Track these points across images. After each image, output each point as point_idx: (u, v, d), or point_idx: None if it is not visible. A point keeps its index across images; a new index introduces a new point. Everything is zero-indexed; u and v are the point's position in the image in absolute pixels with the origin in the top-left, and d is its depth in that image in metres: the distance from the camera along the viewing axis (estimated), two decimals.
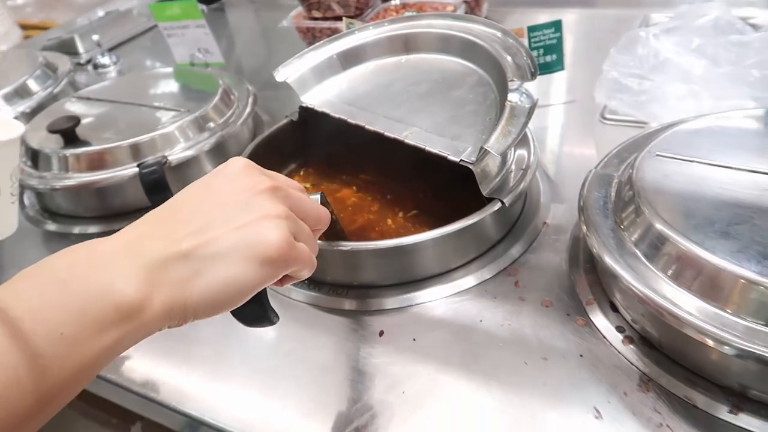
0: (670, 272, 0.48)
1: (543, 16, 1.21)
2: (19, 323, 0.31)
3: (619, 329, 0.54)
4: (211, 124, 0.85)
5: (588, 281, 0.59)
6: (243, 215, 0.39)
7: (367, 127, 0.70)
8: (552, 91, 0.96)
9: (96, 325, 0.33)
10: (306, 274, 0.43)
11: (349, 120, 0.72)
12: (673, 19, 0.83)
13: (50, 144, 0.82)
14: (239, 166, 0.42)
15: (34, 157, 0.82)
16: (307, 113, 0.79)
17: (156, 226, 0.38)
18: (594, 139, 0.84)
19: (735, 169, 0.54)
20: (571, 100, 0.93)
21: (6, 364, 0.30)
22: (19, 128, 0.52)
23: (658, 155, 0.57)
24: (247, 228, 0.38)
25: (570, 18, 1.21)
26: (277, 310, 0.47)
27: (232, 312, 0.42)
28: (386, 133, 0.68)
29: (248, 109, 0.91)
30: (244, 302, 0.39)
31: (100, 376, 0.60)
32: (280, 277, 0.41)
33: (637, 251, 0.51)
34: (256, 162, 0.44)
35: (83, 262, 0.34)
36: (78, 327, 0.32)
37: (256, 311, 0.45)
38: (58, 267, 0.34)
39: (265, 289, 0.42)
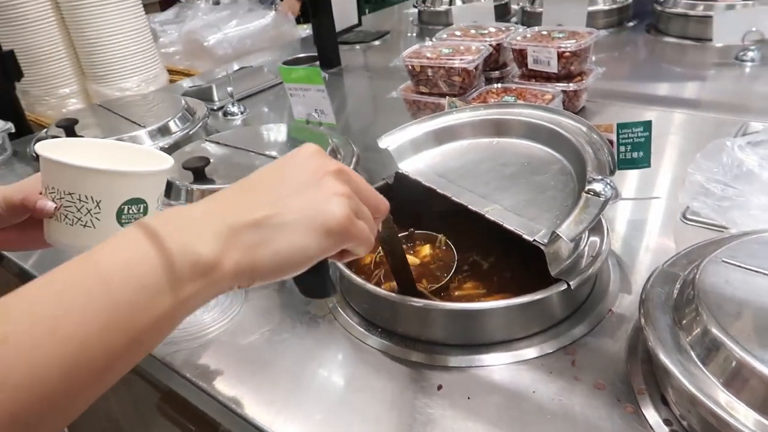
0: (722, 378, 0.51)
1: (641, 113, 1.26)
2: (109, 275, 0.37)
3: (666, 422, 0.56)
4: None
5: (643, 371, 0.62)
6: (311, 192, 0.44)
7: (453, 198, 0.77)
8: (639, 185, 1.00)
9: (176, 279, 0.38)
10: (362, 251, 0.48)
11: (438, 190, 0.80)
12: (762, 132, 0.85)
13: (182, 178, 0.96)
14: (309, 150, 0.47)
15: (167, 187, 0.96)
16: (401, 179, 0.87)
17: (232, 199, 0.44)
18: (673, 238, 0.86)
19: None
20: (656, 196, 0.96)
21: (97, 309, 0.35)
22: (170, 161, 0.64)
23: (724, 261, 0.60)
24: (314, 203, 0.44)
25: (670, 117, 1.24)
26: (351, 353, 0.54)
27: (295, 281, 0.48)
28: (470, 206, 0.75)
29: (350, 168, 1.01)
30: (305, 271, 0.45)
31: (192, 381, 0.69)
32: (339, 250, 0.45)
33: (692, 352, 0.54)
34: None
35: (171, 224, 0.40)
36: (160, 279, 0.37)
37: (316, 282, 0.49)
38: (150, 225, 0.39)
39: (326, 262, 0.47)
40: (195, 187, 0.92)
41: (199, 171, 0.94)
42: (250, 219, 0.42)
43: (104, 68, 1.69)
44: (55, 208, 0.58)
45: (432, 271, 0.79)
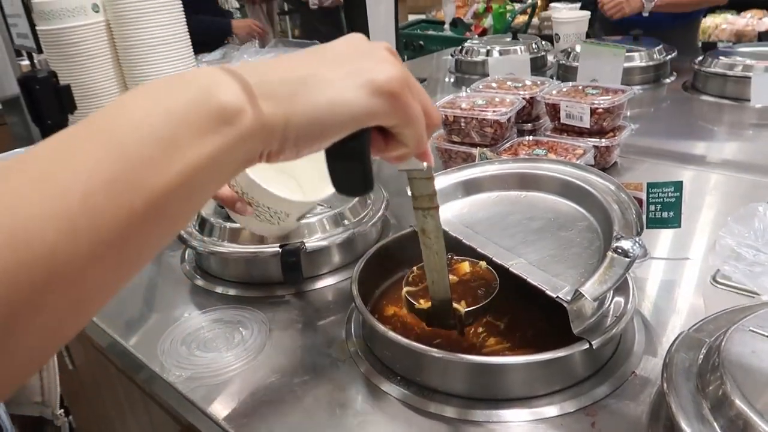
0: None
1: (674, 171, 1.25)
2: (115, 126, 0.32)
3: None
4: (347, 221, 0.98)
5: None
6: (360, 58, 0.40)
7: (479, 249, 0.78)
8: (672, 245, 0.99)
9: (196, 129, 0.33)
10: (411, 137, 0.43)
11: (464, 240, 0.81)
12: None
13: (216, 216, 0.99)
14: (359, 36, 0.43)
15: (202, 223, 1.00)
16: None
17: (266, 64, 0.39)
18: (702, 300, 0.84)
19: None
20: (687, 257, 0.95)
21: (100, 161, 0.30)
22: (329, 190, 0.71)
23: (751, 330, 0.59)
24: (363, 64, 0.40)
25: (705, 177, 1.23)
26: (370, 400, 0.54)
27: (332, 168, 0.43)
28: (494, 258, 0.76)
29: (380, 213, 1.04)
30: (344, 155, 0.41)
31: (212, 417, 0.70)
32: (387, 122, 0.41)
33: (715, 423, 0.53)
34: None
35: (190, 75, 0.36)
36: (178, 130, 0.32)
37: (355, 170, 0.43)
38: (165, 79, 0.35)
39: (368, 152, 0.42)
40: (228, 225, 0.95)
41: None
42: (284, 75, 0.38)
43: None
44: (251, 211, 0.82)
45: (472, 289, 0.75)
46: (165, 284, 1.01)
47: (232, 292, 0.95)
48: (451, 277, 0.75)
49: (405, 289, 0.75)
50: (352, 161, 0.42)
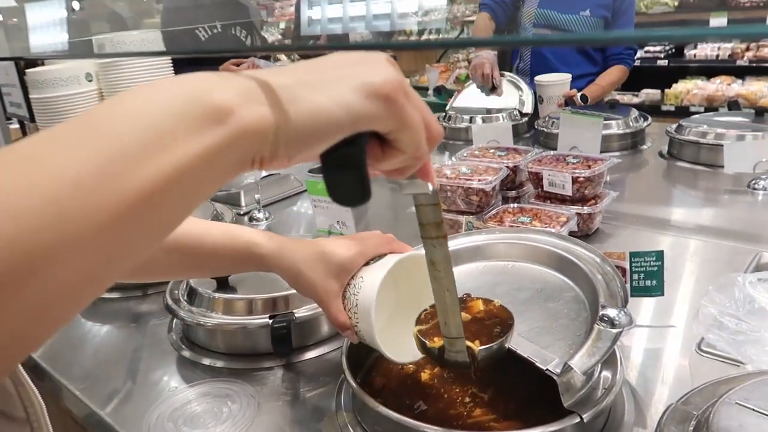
0: None
1: (655, 238, 1.29)
2: (106, 118, 0.33)
3: None
4: None
5: None
6: (354, 65, 0.40)
7: None
8: (655, 313, 1.00)
9: (189, 125, 0.33)
10: (408, 142, 0.42)
11: None
12: None
13: (205, 286, 0.99)
14: (361, 52, 0.43)
15: (191, 293, 1.00)
16: None
17: (266, 71, 0.39)
18: (689, 370, 0.85)
19: None
20: (671, 325, 0.96)
21: (90, 150, 0.30)
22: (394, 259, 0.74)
23: (738, 403, 0.60)
24: (359, 69, 0.40)
25: (685, 243, 1.26)
26: None
27: (328, 178, 0.42)
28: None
29: None
30: (340, 164, 0.40)
31: None
32: (390, 128, 0.41)
33: None
34: None
35: (187, 76, 0.36)
36: (172, 124, 0.33)
37: (352, 178, 0.42)
38: (165, 80, 0.36)
39: (365, 158, 0.42)
40: (217, 295, 0.95)
41: (222, 280, 0.97)
42: (280, 80, 0.38)
43: None
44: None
45: (487, 328, 0.72)
46: (151, 355, 1.00)
47: (219, 363, 0.94)
48: (463, 315, 0.71)
49: (416, 328, 0.72)
50: (348, 168, 0.42)
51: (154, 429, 0.78)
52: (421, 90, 3.74)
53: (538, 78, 2.24)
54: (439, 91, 3.51)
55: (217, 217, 1.37)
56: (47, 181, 0.28)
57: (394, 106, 0.40)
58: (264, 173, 1.91)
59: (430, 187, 0.51)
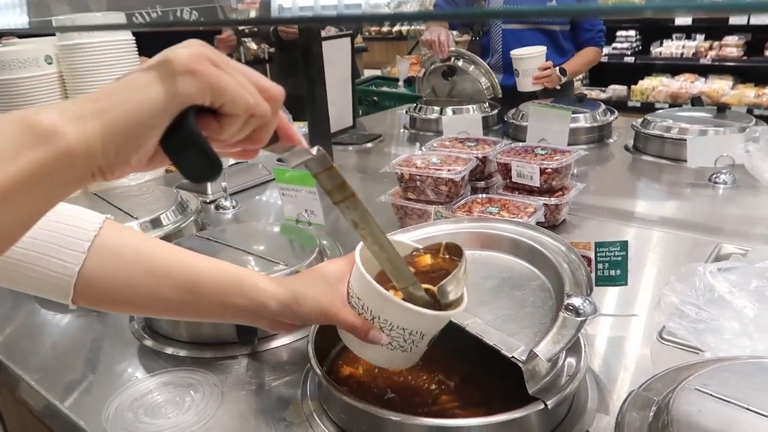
0: None
1: (619, 229, 1.31)
2: None
3: None
4: None
5: None
6: (162, 56, 0.43)
7: None
8: (618, 302, 1.02)
9: (13, 145, 0.38)
10: (234, 104, 0.44)
11: None
12: (731, 259, 0.89)
13: None
14: (178, 45, 0.44)
15: None
16: None
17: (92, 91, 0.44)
18: (650, 358, 0.87)
19: None
20: (634, 314, 0.98)
21: None
22: (464, 302, 0.70)
23: (697, 389, 0.61)
24: (163, 59, 0.42)
25: (648, 234, 1.29)
26: None
27: (175, 162, 0.45)
28: (451, 318, 0.77)
29: None
30: (177, 143, 0.43)
31: None
32: (209, 97, 0.42)
33: None
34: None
35: (18, 112, 0.41)
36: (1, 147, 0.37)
37: (195, 155, 0.44)
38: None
39: (199, 135, 0.44)
40: None
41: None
42: (97, 94, 0.42)
43: None
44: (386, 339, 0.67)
45: (437, 278, 0.70)
46: (111, 345, 0.97)
47: (182, 353, 0.92)
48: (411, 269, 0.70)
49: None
50: (187, 147, 0.43)
51: (113, 420, 0.76)
52: (392, 81, 3.73)
53: (513, 52, 2.24)
54: (410, 82, 3.52)
55: (182, 205, 1.34)
56: None
57: (200, 77, 0.42)
58: (231, 161, 1.88)
59: (314, 151, 0.53)
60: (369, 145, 2.17)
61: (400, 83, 3.59)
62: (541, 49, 2.24)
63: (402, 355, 0.69)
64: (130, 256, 0.66)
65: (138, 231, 0.72)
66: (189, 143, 0.43)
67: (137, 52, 1.75)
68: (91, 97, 0.42)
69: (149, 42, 1.94)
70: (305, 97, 1.82)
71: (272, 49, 3.94)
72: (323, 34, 1.94)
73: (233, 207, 1.54)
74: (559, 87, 2.30)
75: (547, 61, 2.22)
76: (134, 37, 1.73)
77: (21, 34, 1.88)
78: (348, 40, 2.03)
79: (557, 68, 2.24)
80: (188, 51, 0.42)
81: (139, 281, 0.66)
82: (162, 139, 0.43)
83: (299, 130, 2.41)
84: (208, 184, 1.61)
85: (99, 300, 0.67)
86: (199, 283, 0.68)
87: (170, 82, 0.41)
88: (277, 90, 0.48)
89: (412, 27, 7.73)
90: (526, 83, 2.24)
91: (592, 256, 0.93)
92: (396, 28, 7.90)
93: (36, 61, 1.67)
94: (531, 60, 2.22)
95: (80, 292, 0.64)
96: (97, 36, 1.64)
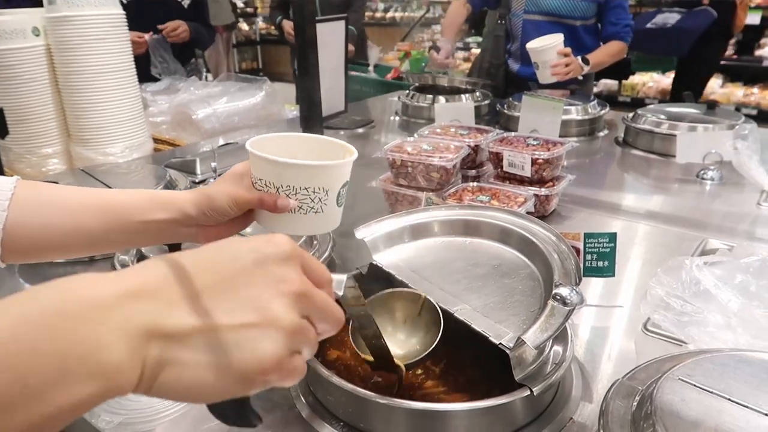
0: None
1: (608, 221, 1.32)
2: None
3: None
4: None
5: None
6: (253, 309, 0.39)
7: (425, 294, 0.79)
8: (604, 292, 1.03)
9: (70, 382, 0.33)
10: (288, 384, 0.42)
11: (411, 285, 0.82)
12: (718, 254, 0.90)
13: (156, 253, 0.96)
14: (282, 251, 0.42)
15: (141, 260, 0.96)
16: (374, 269, 0.89)
17: (157, 282, 0.38)
18: (635, 348, 0.88)
19: (750, 409, 0.57)
20: (620, 305, 0.99)
21: None
22: (355, 152, 0.77)
23: (680, 379, 0.62)
24: (247, 331, 0.38)
25: (635, 227, 1.30)
26: None
27: (208, 406, 0.42)
28: (440, 304, 0.77)
29: (326, 254, 1.03)
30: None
31: None
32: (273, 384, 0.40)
33: None
34: None
35: (73, 312, 0.34)
36: (49, 380, 0.33)
37: (234, 410, 0.44)
38: (47, 310, 0.34)
39: (249, 409, 0.43)
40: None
41: (175, 247, 0.94)
42: (169, 328, 0.37)
43: (91, 132, 1.71)
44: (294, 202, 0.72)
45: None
46: None
47: None
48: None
49: (352, 339, 0.75)
50: (230, 404, 0.42)
51: None
52: (363, 65, 3.71)
53: (529, 45, 2.13)
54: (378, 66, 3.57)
55: (171, 184, 1.33)
56: None
57: (265, 383, 0.40)
58: (221, 141, 1.86)
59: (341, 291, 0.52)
60: (360, 130, 2.16)
61: (371, 68, 3.60)
62: (557, 38, 2.10)
63: (317, 217, 0.75)
64: (46, 200, 0.69)
65: (51, 183, 0.74)
66: (239, 409, 0.44)
67: (126, 25, 1.72)
68: (167, 318, 0.37)
69: (134, 14, 1.92)
70: (297, 81, 1.81)
71: (263, 31, 3.93)
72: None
73: None
74: (581, 77, 2.19)
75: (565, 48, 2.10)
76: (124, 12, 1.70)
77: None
78: (342, 23, 2.01)
79: (579, 57, 2.12)
80: (273, 354, 0.39)
81: (60, 219, 0.68)
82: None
83: (290, 113, 2.40)
84: (198, 165, 1.59)
85: (26, 250, 0.68)
86: (118, 208, 0.71)
87: (232, 384, 0.38)
88: (337, 328, 0.47)
89: (406, 13, 7.68)
90: (545, 75, 2.10)
91: (581, 247, 0.94)
92: (390, 15, 7.86)
93: (23, 32, 1.64)
94: (548, 51, 2.08)
95: (8, 247, 0.66)
96: (86, 9, 1.61)
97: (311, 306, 0.43)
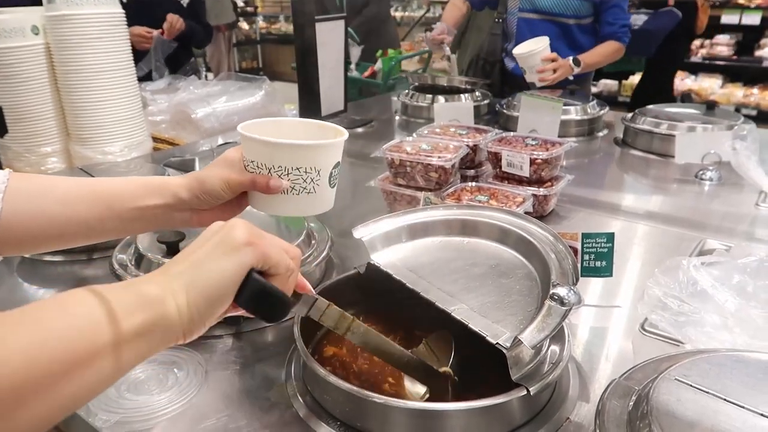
0: None
1: (606, 221, 1.32)
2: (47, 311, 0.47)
3: None
4: None
5: None
6: (215, 237, 0.56)
7: (422, 294, 0.79)
8: (602, 292, 1.03)
9: (127, 307, 0.48)
10: (281, 266, 0.57)
11: (408, 284, 0.82)
12: (715, 254, 0.90)
13: (155, 251, 0.96)
14: (218, 224, 0.58)
15: (139, 259, 0.97)
16: (372, 269, 0.89)
17: (165, 265, 0.55)
18: (632, 347, 0.88)
19: (746, 409, 0.58)
20: (617, 305, 0.99)
21: (83, 330, 0.46)
22: (346, 133, 0.78)
23: (677, 379, 0.62)
24: (217, 237, 0.55)
25: (634, 228, 1.30)
26: None
27: (253, 312, 0.56)
28: (437, 303, 0.77)
29: (324, 253, 1.03)
30: (251, 297, 0.54)
31: None
32: (262, 262, 0.55)
33: None
34: None
35: (125, 282, 0.53)
36: (112, 308, 0.47)
37: (270, 302, 0.56)
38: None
39: (269, 286, 0.56)
40: (167, 261, 0.92)
41: (173, 245, 0.94)
42: (177, 268, 0.53)
43: (90, 131, 1.71)
44: (287, 183, 0.74)
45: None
46: None
47: None
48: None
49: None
50: (262, 296, 0.55)
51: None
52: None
53: (515, 50, 2.13)
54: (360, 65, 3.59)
55: None
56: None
57: (256, 247, 0.55)
58: (221, 140, 1.86)
59: (317, 300, 0.66)
60: (360, 130, 2.16)
61: (352, 66, 3.61)
62: (542, 42, 2.09)
63: (310, 197, 0.77)
64: (39, 190, 0.70)
65: (43, 175, 0.76)
66: (263, 295, 0.56)
67: (126, 24, 1.72)
68: (175, 271, 0.53)
69: (134, 13, 1.91)
70: (297, 80, 1.81)
71: (264, 30, 3.94)
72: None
73: None
74: (572, 77, 2.16)
75: (552, 52, 2.07)
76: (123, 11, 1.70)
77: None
78: (342, 22, 2.01)
79: (571, 58, 2.10)
80: (244, 230, 0.55)
81: (54, 209, 0.70)
82: (235, 298, 0.55)
83: (290, 112, 2.40)
84: (197, 164, 1.59)
85: (22, 241, 0.70)
86: (111, 195, 0.72)
87: (235, 255, 0.53)
88: (297, 251, 0.61)
89: (406, 13, 7.68)
90: (533, 79, 2.10)
91: (579, 247, 0.94)
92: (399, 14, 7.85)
93: (22, 31, 1.63)
94: (533, 57, 2.08)
95: (4, 239, 0.67)
96: (85, 7, 1.61)
97: (260, 235, 0.57)
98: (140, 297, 0.49)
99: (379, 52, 3.59)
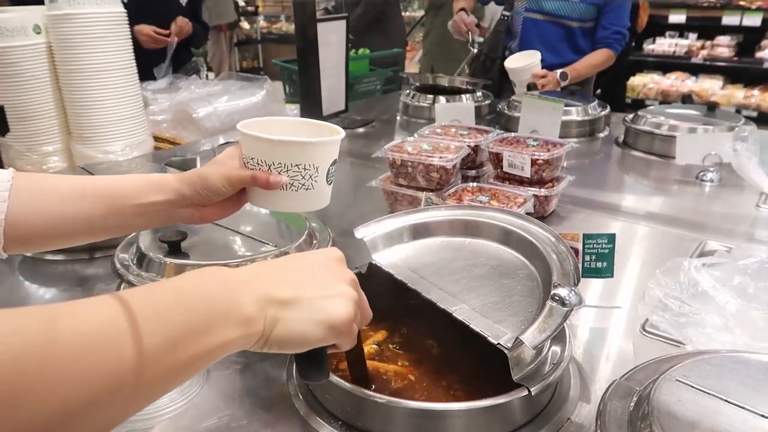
0: None
1: (607, 222, 1.32)
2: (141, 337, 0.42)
3: None
4: None
5: None
6: (328, 288, 0.54)
7: (423, 294, 0.79)
8: (603, 293, 1.03)
9: (220, 327, 0.47)
10: (346, 347, 0.57)
11: (409, 284, 0.82)
12: (716, 255, 0.90)
13: (156, 250, 0.96)
14: (336, 255, 0.59)
15: (141, 258, 0.97)
16: (374, 269, 0.89)
17: (267, 274, 0.54)
18: (632, 348, 0.88)
19: (747, 410, 0.58)
20: (618, 306, 0.99)
21: (111, 350, 0.41)
22: (342, 132, 0.80)
23: (678, 380, 0.63)
24: (327, 299, 0.53)
25: (634, 229, 1.30)
26: None
27: (299, 371, 0.59)
28: (438, 303, 0.77)
29: None
30: (306, 357, 0.56)
31: None
32: (336, 343, 0.55)
33: None
34: None
35: (219, 283, 0.50)
36: (205, 325, 0.46)
37: (314, 364, 0.58)
38: (199, 282, 0.49)
39: (326, 355, 0.57)
40: (169, 260, 0.93)
41: (175, 245, 0.94)
42: (279, 296, 0.51)
43: (91, 130, 1.72)
44: (286, 179, 0.75)
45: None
46: None
47: None
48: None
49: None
50: (312, 363, 0.58)
51: None
52: None
53: (507, 63, 2.16)
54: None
55: None
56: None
57: (343, 336, 0.54)
58: (222, 140, 1.86)
59: None
60: (361, 130, 2.16)
61: None
62: (534, 58, 2.12)
63: (308, 194, 0.78)
64: (43, 188, 0.70)
65: (45, 173, 0.76)
66: (319, 366, 0.58)
67: (128, 24, 1.72)
68: (276, 297, 0.51)
69: (135, 12, 1.91)
70: (299, 79, 1.81)
71: (264, 30, 3.93)
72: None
73: None
74: (560, 89, 2.18)
75: (543, 69, 2.11)
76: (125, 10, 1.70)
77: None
78: (344, 22, 2.02)
79: (558, 72, 2.13)
80: (346, 314, 0.54)
81: (58, 207, 0.70)
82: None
83: (291, 111, 2.40)
84: (198, 163, 1.59)
85: (27, 240, 0.70)
86: (114, 192, 0.73)
87: (324, 331, 0.52)
88: (368, 318, 0.62)
89: (407, 13, 7.68)
90: (521, 93, 2.09)
91: (580, 248, 0.94)
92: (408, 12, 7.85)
93: (24, 30, 1.64)
94: (524, 72, 2.11)
95: (9, 237, 0.67)
96: (87, 7, 1.61)
97: (358, 290, 0.57)
98: (239, 312, 0.48)
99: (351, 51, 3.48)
